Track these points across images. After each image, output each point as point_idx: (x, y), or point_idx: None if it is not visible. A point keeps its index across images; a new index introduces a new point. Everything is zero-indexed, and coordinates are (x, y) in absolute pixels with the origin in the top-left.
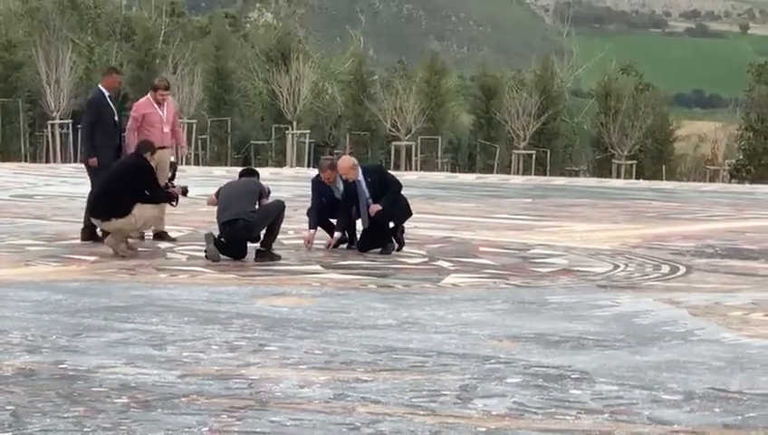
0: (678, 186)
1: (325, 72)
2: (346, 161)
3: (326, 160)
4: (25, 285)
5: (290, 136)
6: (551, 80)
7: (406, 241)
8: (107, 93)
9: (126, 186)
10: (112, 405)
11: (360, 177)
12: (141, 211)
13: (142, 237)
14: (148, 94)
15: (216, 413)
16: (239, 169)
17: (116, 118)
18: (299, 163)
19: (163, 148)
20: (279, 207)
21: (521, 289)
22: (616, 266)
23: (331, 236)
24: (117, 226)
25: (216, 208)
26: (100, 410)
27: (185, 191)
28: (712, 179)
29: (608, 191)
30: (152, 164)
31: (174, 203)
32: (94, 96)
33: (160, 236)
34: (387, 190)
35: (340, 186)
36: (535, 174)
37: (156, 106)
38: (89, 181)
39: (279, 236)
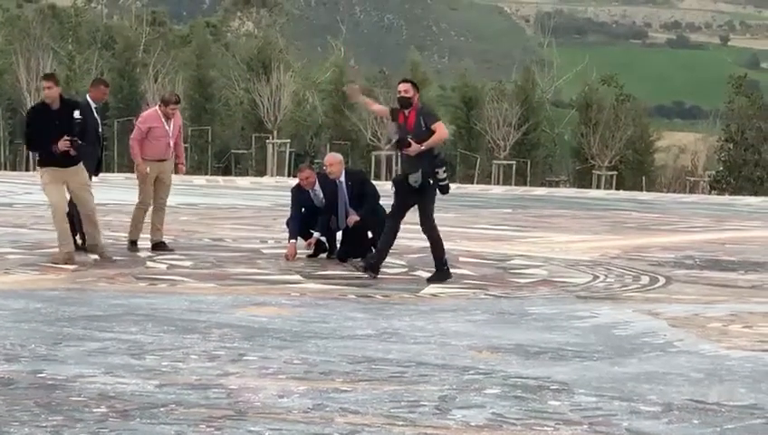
0: (658, 197)
1: (306, 82)
2: (335, 156)
3: (306, 163)
4: (4, 293)
5: (270, 145)
6: (531, 90)
7: None
8: (93, 105)
9: None
10: (91, 415)
11: (343, 178)
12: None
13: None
14: (157, 107)
15: (195, 423)
16: (219, 178)
17: (99, 129)
18: (279, 172)
19: (164, 160)
20: None
21: (500, 300)
22: (595, 277)
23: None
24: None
25: None
26: (78, 419)
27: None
28: (692, 191)
29: (588, 202)
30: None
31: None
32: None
33: (158, 246)
34: (365, 199)
35: (320, 193)
36: (515, 184)
37: (163, 120)
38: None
39: (257, 245)
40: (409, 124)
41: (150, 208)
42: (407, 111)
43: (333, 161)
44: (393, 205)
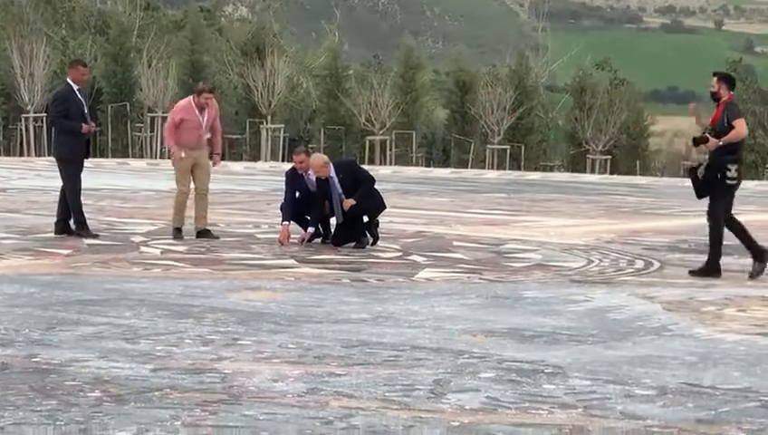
0: (653, 181)
1: (300, 67)
2: (317, 159)
3: (302, 146)
4: None
5: (264, 130)
6: (525, 75)
7: (380, 235)
8: (75, 87)
9: None
10: (85, 399)
11: (332, 173)
12: None
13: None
14: (191, 97)
15: (190, 407)
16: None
17: (85, 111)
18: (273, 157)
19: (199, 148)
20: None
21: (495, 284)
22: (590, 261)
23: (305, 230)
24: None
25: None
26: (72, 403)
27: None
28: (686, 175)
29: (582, 186)
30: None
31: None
32: (61, 89)
33: (202, 234)
34: (359, 185)
35: (314, 177)
36: (510, 169)
37: (196, 111)
38: (60, 176)
39: (252, 230)
40: (714, 118)
41: (193, 196)
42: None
43: (318, 165)
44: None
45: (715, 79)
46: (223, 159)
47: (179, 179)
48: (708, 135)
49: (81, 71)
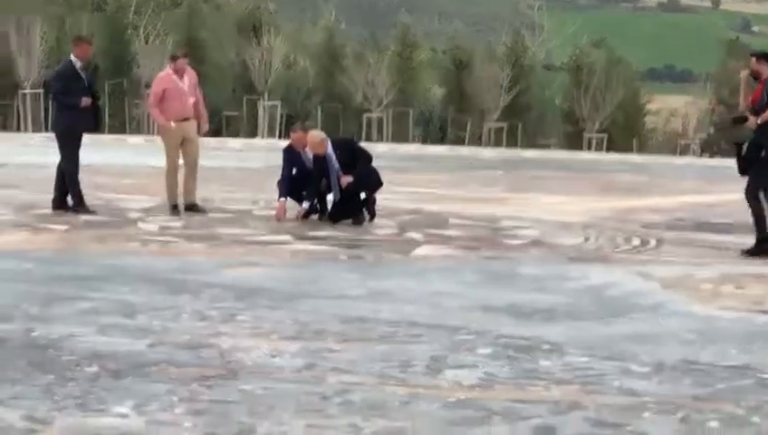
0: (649, 159)
1: (297, 45)
2: (314, 136)
3: (299, 123)
4: None
5: (261, 107)
6: (522, 53)
7: (377, 212)
8: (78, 64)
9: None
10: (82, 373)
11: (330, 150)
12: None
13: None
14: (167, 67)
15: (187, 382)
16: (210, 139)
17: (87, 87)
18: (270, 134)
19: (187, 119)
20: None
21: (491, 261)
22: (586, 239)
23: (301, 205)
24: None
25: None
26: (69, 378)
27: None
28: (682, 153)
29: (578, 164)
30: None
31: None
32: (63, 65)
33: (192, 207)
34: (356, 162)
35: (311, 154)
36: (506, 146)
37: (175, 78)
38: (59, 151)
39: (249, 206)
40: (754, 97)
41: (182, 170)
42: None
43: (315, 142)
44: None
45: (754, 59)
46: (219, 135)
47: (168, 154)
48: (747, 114)
49: (85, 48)
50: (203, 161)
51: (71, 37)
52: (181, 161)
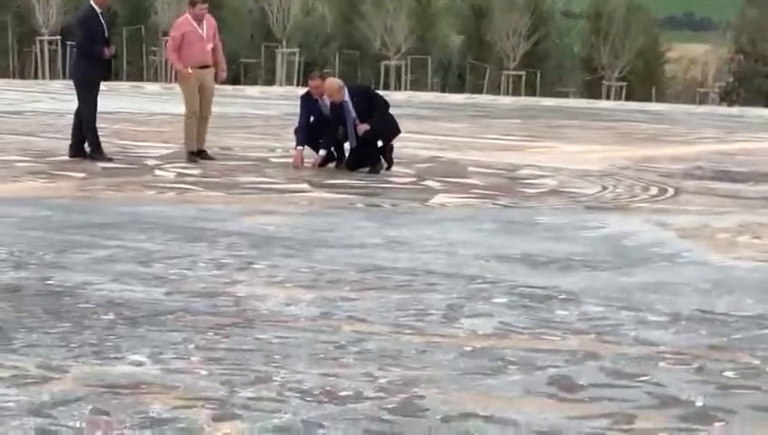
0: (668, 108)
1: None
2: (332, 83)
3: (317, 70)
4: (12, 200)
5: (279, 54)
6: (541, 0)
7: (394, 160)
8: (98, 10)
9: None
10: (98, 321)
11: (347, 97)
12: None
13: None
14: (186, 12)
15: (203, 331)
16: (228, 86)
17: (106, 35)
18: (288, 82)
19: (206, 66)
20: None
21: (509, 210)
22: (604, 188)
23: (318, 153)
24: None
25: None
26: (86, 326)
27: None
28: (701, 102)
29: (597, 113)
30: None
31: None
32: (85, 13)
33: (200, 153)
34: (374, 109)
35: (328, 101)
36: (525, 95)
37: (195, 24)
38: (76, 99)
39: (266, 154)
40: None
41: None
42: None
43: (333, 89)
44: None
45: None
46: (237, 83)
47: (187, 101)
48: None
49: None
50: (221, 109)
51: None
52: None
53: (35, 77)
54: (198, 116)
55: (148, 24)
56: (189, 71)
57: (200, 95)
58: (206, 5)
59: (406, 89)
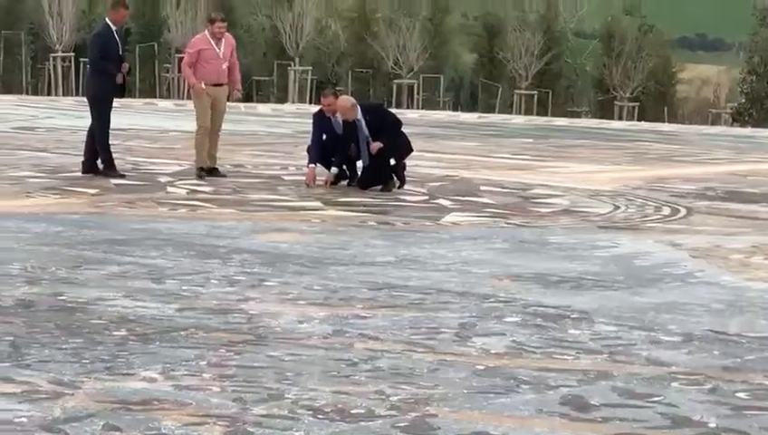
0: (680, 128)
1: (328, 9)
2: (344, 101)
3: (330, 88)
4: (25, 216)
5: (292, 72)
6: (554, 20)
7: (407, 179)
8: (114, 27)
9: None
10: (111, 337)
11: (360, 115)
12: None
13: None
14: (205, 30)
15: (215, 347)
16: (241, 104)
17: (120, 52)
18: (301, 100)
19: (219, 85)
20: None
21: (521, 229)
22: (616, 208)
23: (330, 171)
24: None
25: None
26: (98, 342)
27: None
28: (714, 123)
29: (609, 133)
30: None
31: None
32: (100, 30)
33: (212, 171)
34: (386, 128)
35: (341, 119)
36: (537, 114)
37: (212, 42)
38: (89, 115)
39: (278, 172)
40: None
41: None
42: None
43: (345, 107)
44: None
45: None
46: (250, 100)
47: (199, 117)
48: None
49: (122, 12)
50: (233, 126)
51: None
52: None
53: (49, 93)
54: (209, 132)
55: (160, 41)
56: (203, 85)
57: (212, 112)
58: (224, 24)
59: (418, 107)
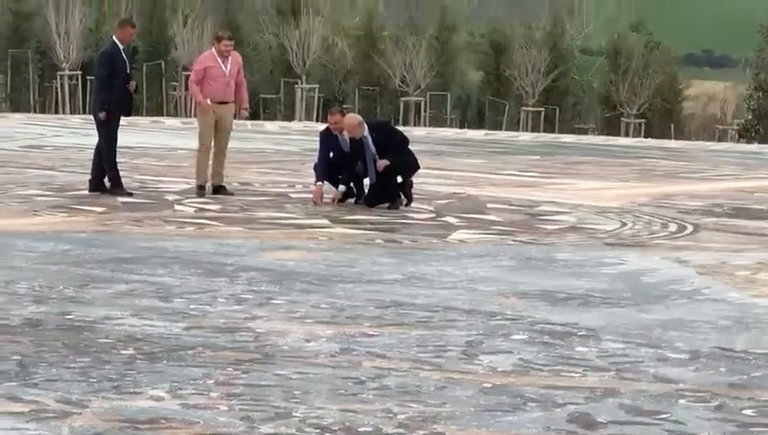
0: (686, 145)
1: (335, 27)
2: (351, 119)
3: (337, 106)
4: (33, 235)
5: (299, 90)
6: (560, 37)
7: (414, 196)
8: (121, 46)
9: None
10: (118, 356)
11: (366, 133)
12: None
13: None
14: (213, 47)
15: (222, 366)
16: (248, 122)
17: (128, 71)
18: (308, 117)
19: (225, 102)
20: None
21: (528, 246)
22: (623, 224)
23: (337, 189)
24: None
25: None
26: (105, 361)
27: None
28: (720, 139)
29: (616, 149)
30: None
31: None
32: (108, 48)
33: (219, 189)
34: (393, 145)
35: (348, 137)
36: (544, 131)
37: (219, 60)
38: (96, 133)
39: (285, 190)
40: None
41: (212, 152)
42: None
43: (352, 125)
44: None
45: None
46: (257, 118)
47: (201, 135)
48: None
49: (130, 31)
50: (240, 144)
51: (109, 18)
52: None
53: (56, 112)
54: (210, 150)
55: (167, 59)
56: (209, 101)
57: (217, 130)
58: (231, 42)
59: (425, 125)
